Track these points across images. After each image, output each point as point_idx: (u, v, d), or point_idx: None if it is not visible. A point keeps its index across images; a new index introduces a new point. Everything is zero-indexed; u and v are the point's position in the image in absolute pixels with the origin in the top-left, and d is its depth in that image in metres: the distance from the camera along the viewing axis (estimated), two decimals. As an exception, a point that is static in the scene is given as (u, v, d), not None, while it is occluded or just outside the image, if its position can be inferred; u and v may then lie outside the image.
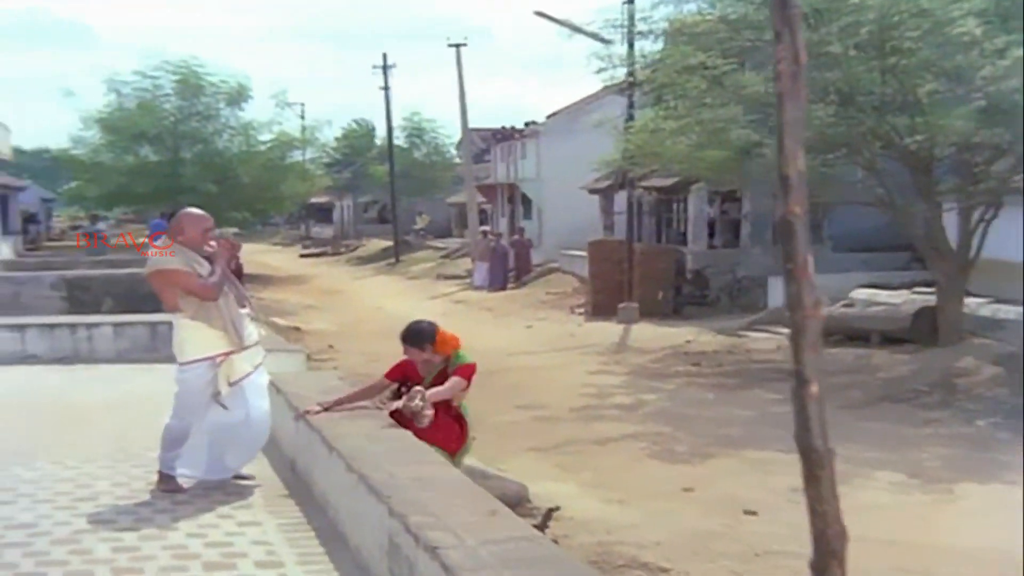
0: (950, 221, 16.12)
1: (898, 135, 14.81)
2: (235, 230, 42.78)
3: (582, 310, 25.42)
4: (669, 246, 27.79)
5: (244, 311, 6.58)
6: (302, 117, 54.68)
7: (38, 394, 10.26)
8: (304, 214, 69.05)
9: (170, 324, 6.56)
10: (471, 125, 42.09)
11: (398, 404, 6.55)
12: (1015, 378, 12.91)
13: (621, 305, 23.26)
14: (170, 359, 6.57)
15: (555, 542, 6.07)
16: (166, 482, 6.47)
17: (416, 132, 57.56)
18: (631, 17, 19.99)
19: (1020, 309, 15.65)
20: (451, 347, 6.77)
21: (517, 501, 8.13)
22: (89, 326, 12.71)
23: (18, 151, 44.68)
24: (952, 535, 8.38)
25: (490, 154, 49.70)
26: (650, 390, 15.30)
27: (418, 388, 6.56)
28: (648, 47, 19.17)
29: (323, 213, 68.50)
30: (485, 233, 37.01)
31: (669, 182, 25.30)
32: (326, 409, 6.67)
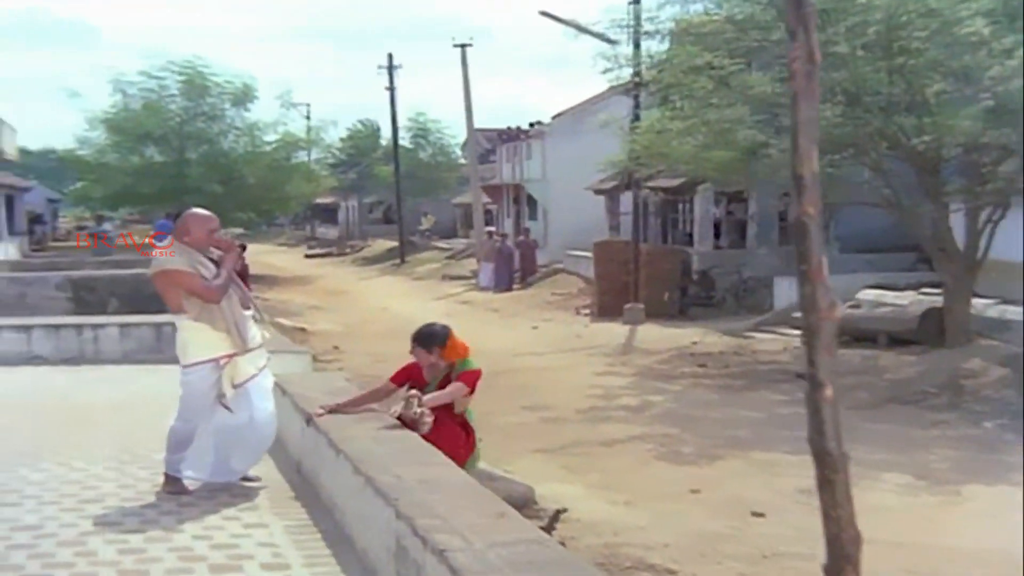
0: (957, 222, 16.08)
1: (905, 135, 14.77)
2: (240, 230, 42.87)
3: (588, 311, 25.39)
4: (675, 247, 27.74)
5: (248, 312, 6.56)
6: (307, 118, 54.73)
7: (44, 395, 10.26)
8: (309, 215, 69.08)
9: (175, 325, 6.54)
10: (475, 125, 42.06)
11: (396, 409, 6.50)
12: (1020, 379, 12.87)
13: (627, 306, 23.24)
14: (175, 360, 6.54)
15: (562, 544, 6.05)
16: (172, 484, 6.45)
17: (421, 133, 57.53)
18: (637, 17, 19.93)
19: (1026, 310, 15.61)
20: (458, 354, 6.71)
21: (524, 503, 8.10)
22: (95, 327, 12.72)
23: (24, 151, 44.70)
24: (960, 537, 8.35)
25: (495, 154, 49.61)
26: (656, 391, 15.26)
27: (415, 393, 6.52)
28: (654, 47, 19.17)
29: (328, 214, 68.45)
30: (491, 234, 36.95)
31: (675, 183, 25.24)
32: (332, 411, 6.66)
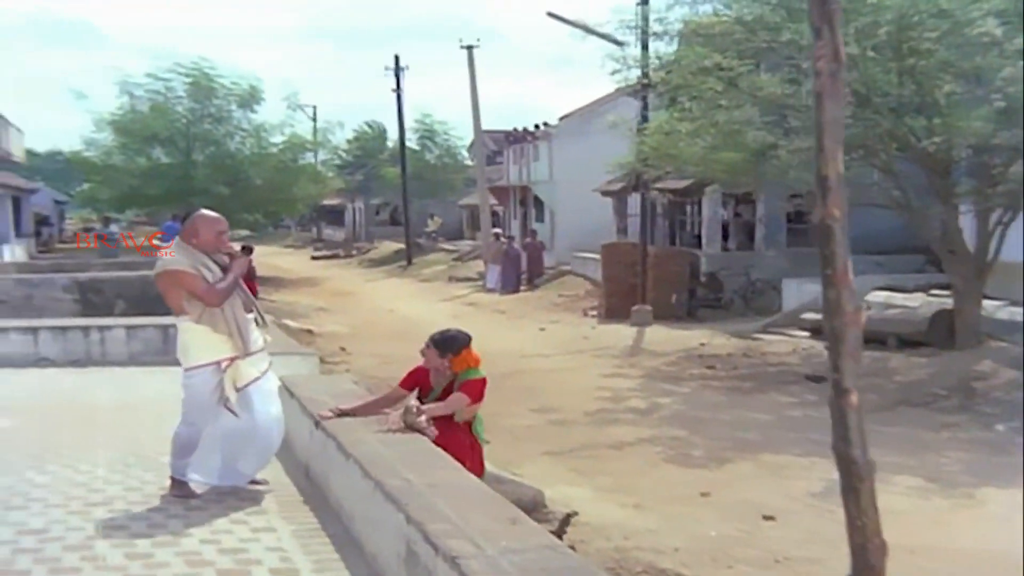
0: (967, 224, 16.00)
1: (915, 137, 14.69)
2: (246, 232, 42.87)
3: (595, 313, 25.33)
4: (683, 249, 27.68)
5: (250, 315, 6.50)
6: (313, 119, 54.77)
7: (50, 397, 10.24)
8: (316, 216, 69.06)
9: (177, 327, 6.48)
10: (481, 127, 42.00)
11: (394, 416, 6.40)
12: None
13: (635, 308, 23.17)
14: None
15: (572, 548, 5.99)
16: (179, 487, 6.41)
17: (428, 134, 57.49)
18: (645, 18, 19.84)
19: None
20: (467, 365, 6.60)
21: (533, 506, 8.04)
22: (101, 328, 12.69)
23: (31, 153, 44.83)
24: (973, 540, 8.29)
25: (502, 156, 49.57)
26: (665, 393, 15.19)
27: (413, 403, 6.44)
28: (663, 48, 19.07)
29: (335, 215, 68.48)
30: (497, 235, 36.89)
31: (683, 184, 25.17)
32: (340, 415, 6.60)
